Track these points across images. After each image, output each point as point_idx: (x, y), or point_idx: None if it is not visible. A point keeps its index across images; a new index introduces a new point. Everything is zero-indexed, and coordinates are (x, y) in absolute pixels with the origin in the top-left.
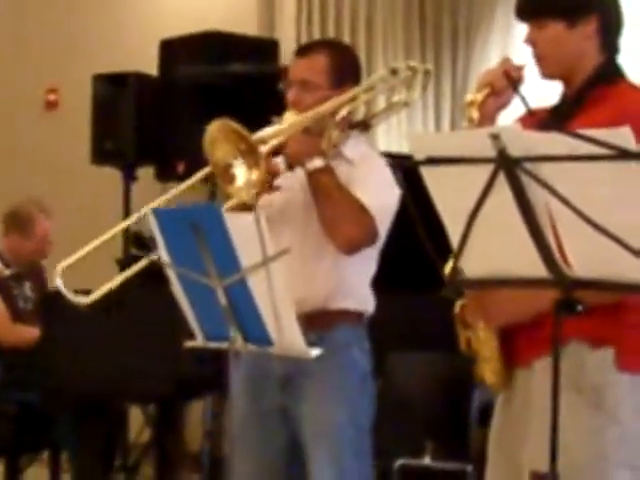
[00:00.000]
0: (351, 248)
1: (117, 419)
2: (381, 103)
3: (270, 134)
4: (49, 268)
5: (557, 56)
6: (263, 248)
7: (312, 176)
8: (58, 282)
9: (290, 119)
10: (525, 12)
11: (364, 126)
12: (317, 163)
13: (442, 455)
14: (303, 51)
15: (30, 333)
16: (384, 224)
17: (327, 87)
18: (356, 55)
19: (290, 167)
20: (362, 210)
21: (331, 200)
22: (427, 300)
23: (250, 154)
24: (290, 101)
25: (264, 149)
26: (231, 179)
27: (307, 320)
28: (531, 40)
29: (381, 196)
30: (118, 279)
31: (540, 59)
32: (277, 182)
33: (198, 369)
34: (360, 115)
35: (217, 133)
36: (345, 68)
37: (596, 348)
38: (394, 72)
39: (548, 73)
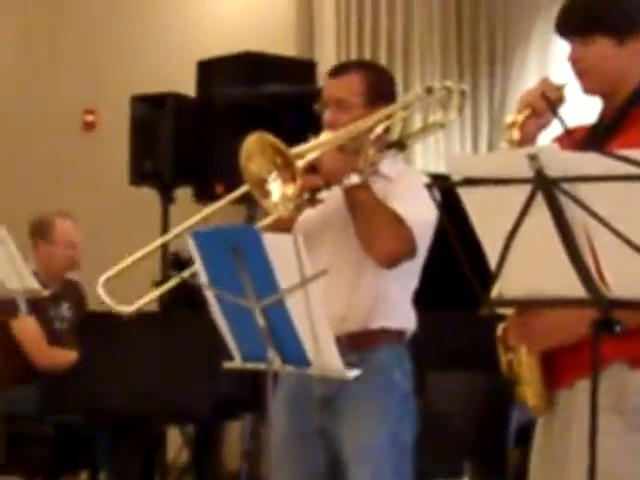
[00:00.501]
0: (390, 261)
1: (155, 439)
2: (417, 122)
3: (306, 149)
4: (86, 287)
5: (602, 72)
6: (301, 269)
7: (349, 193)
8: (100, 292)
9: (326, 136)
10: (571, 28)
11: (400, 146)
12: (354, 180)
13: (480, 476)
14: (337, 71)
15: (66, 356)
16: (423, 238)
17: (362, 107)
18: (391, 75)
19: (327, 185)
20: (399, 223)
21: (368, 215)
22: (467, 319)
23: (286, 168)
24: (326, 122)
25: (301, 163)
26: (266, 194)
27: (349, 341)
28: (576, 56)
29: (419, 210)
30: (155, 292)
31: (583, 75)
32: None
33: (236, 389)
34: (396, 135)
35: (254, 147)
36: (380, 88)
37: (636, 369)
38: (429, 91)
39: (590, 88)
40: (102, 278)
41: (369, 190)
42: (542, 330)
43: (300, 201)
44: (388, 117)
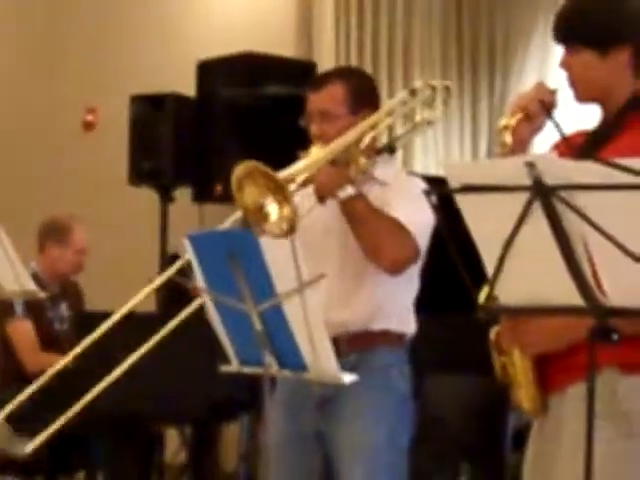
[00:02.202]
0: (397, 269)
1: (153, 440)
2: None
3: (297, 171)
4: (85, 287)
5: (589, 82)
6: (298, 274)
7: (345, 205)
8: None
9: (316, 154)
10: (558, 36)
11: (390, 149)
12: (348, 191)
13: (478, 478)
14: (318, 83)
15: (58, 362)
16: (423, 240)
17: (347, 115)
18: (372, 79)
19: (321, 200)
20: (401, 230)
21: (368, 225)
22: (465, 322)
23: (279, 191)
24: (313, 134)
25: (293, 187)
26: (265, 217)
27: (349, 341)
28: (563, 64)
29: (418, 213)
30: (140, 295)
31: (572, 83)
32: (310, 215)
33: (234, 390)
34: (385, 139)
35: (243, 177)
36: (362, 94)
37: (627, 375)
38: (413, 93)
39: (580, 98)
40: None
41: (365, 200)
42: (534, 334)
43: (295, 222)
44: (374, 125)
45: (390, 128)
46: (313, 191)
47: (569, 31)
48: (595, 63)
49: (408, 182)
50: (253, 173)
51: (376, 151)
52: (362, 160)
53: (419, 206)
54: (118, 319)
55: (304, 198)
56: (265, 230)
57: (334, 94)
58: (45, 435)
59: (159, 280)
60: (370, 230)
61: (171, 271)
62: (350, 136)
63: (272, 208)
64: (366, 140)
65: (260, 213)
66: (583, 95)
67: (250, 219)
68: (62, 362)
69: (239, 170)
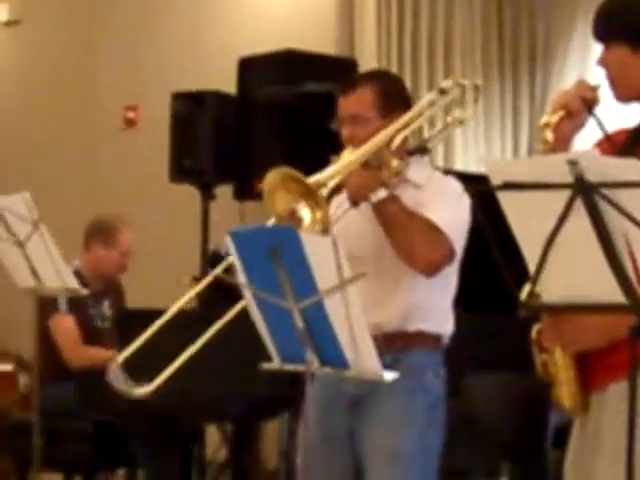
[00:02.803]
0: (432, 270)
1: (193, 437)
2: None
3: (328, 175)
4: (126, 284)
5: (626, 80)
6: (340, 271)
7: (378, 208)
8: (116, 373)
9: (347, 157)
10: (597, 33)
11: (422, 150)
12: (381, 194)
13: (518, 476)
14: (348, 88)
15: (101, 356)
16: (459, 241)
17: (378, 118)
18: (401, 81)
19: (354, 204)
20: (436, 231)
21: (402, 227)
22: (504, 320)
23: (311, 196)
24: (344, 138)
25: (324, 192)
26: (299, 222)
27: (384, 341)
28: (602, 61)
29: (452, 213)
30: (185, 297)
31: (611, 82)
32: (343, 218)
33: (274, 388)
34: (416, 139)
35: (274, 184)
36: (392, 96)
37: None
38: (443, 92)
39: (620, 97)
40: (119, 359)
41: (398, 202)
42: (576, 332)
43: (328, 224)
44: (405, 126)
45: (421, 129)
46: (346, 196)
47: (606, 27)
48: (628, 60)
49: (442, 183)
50: (284, 179)
51: (408, 152)
52: (394, 162)
53: (453, 207)
54: (169, 317)
55: (338, 205)
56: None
57: (364, 98)
58: (163, 377)
59: (206, 280)
60: (404, 232)
61: (218, 270)
62: (381, 138)
63: (305, 213)
64: (397, 141)
65: (293, 218)
66: (622, 94)
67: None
68: (109, 355)
69: (269, 177)
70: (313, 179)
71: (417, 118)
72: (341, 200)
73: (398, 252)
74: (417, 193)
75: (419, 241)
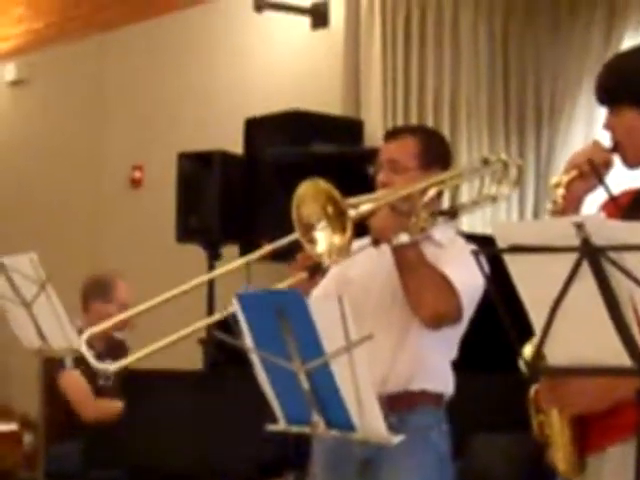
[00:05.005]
0: (436, 321)
1: None
2: (464, 190)
3: (361, 200)
4: (131, 344)
5: (633, 143)
6: (346, 333)
7: (398, 251)
8: (82, 347)
9: (380, 192)
10: (601, 97)
11: (451, 214)
12: (403, 238)
13: None
14: (393, 134)
15: (112, 407)
16: (469, 302)
17: (416, 169)
18: (446, 141)
19: (375, 243)
20: (448, 285)
21: (416, 273)
22: (509, 380)
23: (337, 217)
24: (380, 181)
25: (353, 213)
26: (311, 240)
27: (388, 401)
28: (608, 125)
29: (468, 275)
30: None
31: (618, 146)
32: (360, 261)
33: (280, 449)
34: (447, 204)
35: (308, 192)
36: (434, 152)
37: None
38: (486, 162)
39: (627, 161)
40: (87, 333)
41: (418, 250)
42: (574, 395)
43: (346, 252)
44: (441, 183)
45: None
46: (370, 236)
47: (610, 91)
48: (638, 124)
49: (463, 247)
50: (318, 191)
51: (438, 212)
52: (423, 214)
53: (470, 270)
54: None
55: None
56: (313, 255)
57: (407, 146)
58: (130, 359)
59: (200, 323)
60: (418, 279)
61: (210, 320)
62: (416, 185)
63: (321, 236)
64: (430, 194)
65: (309, 234)
66: (630, 158)
67: (300, 234)
68: (119, 405)
69: (305, 186)
70: (347, 200)
71: (454, 179)
72: (360, 244)
73: (407, 298)
74: (438, 252)
75: (431, 290)
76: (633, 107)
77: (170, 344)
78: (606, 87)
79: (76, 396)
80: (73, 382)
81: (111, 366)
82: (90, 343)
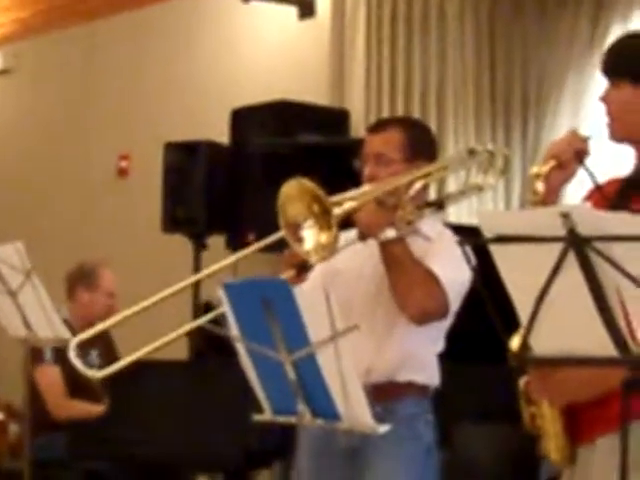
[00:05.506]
0: (422, 317)
1: None
2: (451, 180)
3: (345, 197)
4: (116, 335)
5: (625, 119)
6: (332, 323)
7: (384, 246)
8: (72, 356)
9: (365, 187)
10: (605, 68)
11: (438, 206)
12: (389, 234)
13: None
14: (378, 127)
15: (87, 410)
16: (455, 297)
17: (401, 162)
18: (431, 132)
19: (362, 237)
20: (434, 281)
21: (403, 270)
22: (496, 371)
23: (323, 215)
24: (366, 175)
25: (338, 211)
26: (299, 239)
27: (374, 391)
28: (605, 98)
29: (454, 270)
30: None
31: (610, 118)
32: (347, 253)
33: (265, 439)
34: (434, 195)
35: (292, 192)
36: (420, 144)
37: None
38: (472, 153)
39: (615, 135)
40: (74, 341)
41: (405, 245)
42: (563, 385)
43: (333, 250)
44: (427, 175)
45: (439, 183)
46: (357, 230)
47: (616, 64)
48: (636, 101)
49: (451, 240)
50: (302, 190)
51: (425, 204)
52: (409, 208)
53: (457, 265)
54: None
55: (344, 239)
56: (300, 253)
57: (391, 138)
58: (116, 367)
59: (189, 326)
60: (404, 275)
61: (204, 320)
62: (401, 179)
63: (308, 234)
64: (416, 187)
65: (296, 234)
66: (618, 133)
67: (288, 237)
68: (94, 410)
69: (289, 185)
70: (331, 199)
71: (440, 171)
72: (347, 236)
73: (393, 294)
74: (426, 245)
75: (417, 287)
76: (633, 84)
77: (162, 346)
78: (612, 60)
79: (48, 394)
80: (47, 379)
81: (98, 373)
82: (75, 332)
